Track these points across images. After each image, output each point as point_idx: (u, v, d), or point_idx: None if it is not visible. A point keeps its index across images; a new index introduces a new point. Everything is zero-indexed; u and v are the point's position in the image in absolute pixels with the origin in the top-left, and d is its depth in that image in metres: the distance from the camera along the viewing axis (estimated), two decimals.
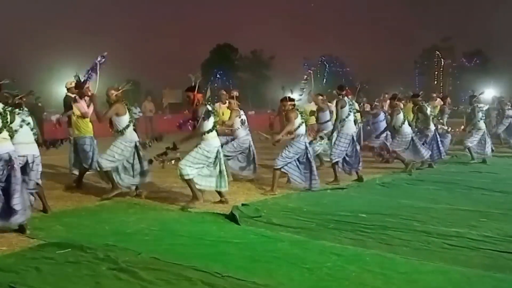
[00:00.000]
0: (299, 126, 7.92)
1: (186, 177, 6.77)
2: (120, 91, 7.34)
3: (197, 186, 6.91)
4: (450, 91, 36.84)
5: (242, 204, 6.64)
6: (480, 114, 11.38)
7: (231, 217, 6.02)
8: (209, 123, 6.89)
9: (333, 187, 8.32)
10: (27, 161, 5.94)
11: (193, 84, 6.98)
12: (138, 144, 7.42)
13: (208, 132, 6.87)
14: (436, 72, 42.21)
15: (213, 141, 6.94)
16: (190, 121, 7.03)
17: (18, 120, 5.88)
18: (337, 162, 8.89)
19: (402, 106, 10.35)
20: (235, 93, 9.27)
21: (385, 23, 60.83)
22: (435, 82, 41.10)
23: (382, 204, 6.94)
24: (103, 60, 7.09)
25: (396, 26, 59.05)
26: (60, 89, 9.88)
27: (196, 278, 3.99)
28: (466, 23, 51.85)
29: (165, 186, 8.40)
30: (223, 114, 9.05)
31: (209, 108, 6.97)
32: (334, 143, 9.06)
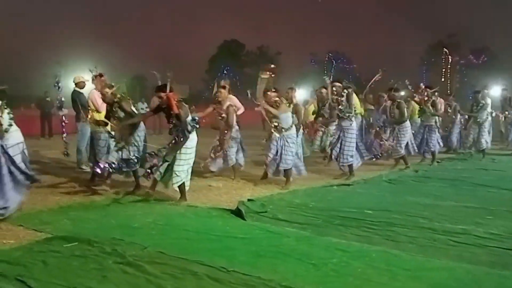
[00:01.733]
0: (293, 124, 8.04)
1: (179, 184, 6.72)
2: (114, 88, 7.36)
3: (187, 188, 6.86)
4: (458, 89, 36.58)
5: (248, 200, 6.64)
6: (487, 111, 11.41)
7: (237, 212, 6.04)
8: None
9: (339, 184, 8.33)
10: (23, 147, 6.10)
11: (160, 83, 6.66)
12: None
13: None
14: (443, 69, 41.80)
15: (193, 135, 6.77)
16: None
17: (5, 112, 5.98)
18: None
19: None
20: (226, 83, 9.10)
21: (389, 19, 60.44)
22: (442, 79, 40.74)
23: (388, 200, 6.94)
24: None
25: (401, 23, 58.66)
26: (68, 83, 9.88)
27: (201, 272, 4.01)
28: (471, 19, 51.40)
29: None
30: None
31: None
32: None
